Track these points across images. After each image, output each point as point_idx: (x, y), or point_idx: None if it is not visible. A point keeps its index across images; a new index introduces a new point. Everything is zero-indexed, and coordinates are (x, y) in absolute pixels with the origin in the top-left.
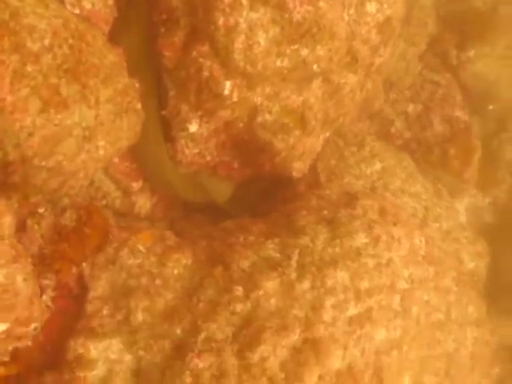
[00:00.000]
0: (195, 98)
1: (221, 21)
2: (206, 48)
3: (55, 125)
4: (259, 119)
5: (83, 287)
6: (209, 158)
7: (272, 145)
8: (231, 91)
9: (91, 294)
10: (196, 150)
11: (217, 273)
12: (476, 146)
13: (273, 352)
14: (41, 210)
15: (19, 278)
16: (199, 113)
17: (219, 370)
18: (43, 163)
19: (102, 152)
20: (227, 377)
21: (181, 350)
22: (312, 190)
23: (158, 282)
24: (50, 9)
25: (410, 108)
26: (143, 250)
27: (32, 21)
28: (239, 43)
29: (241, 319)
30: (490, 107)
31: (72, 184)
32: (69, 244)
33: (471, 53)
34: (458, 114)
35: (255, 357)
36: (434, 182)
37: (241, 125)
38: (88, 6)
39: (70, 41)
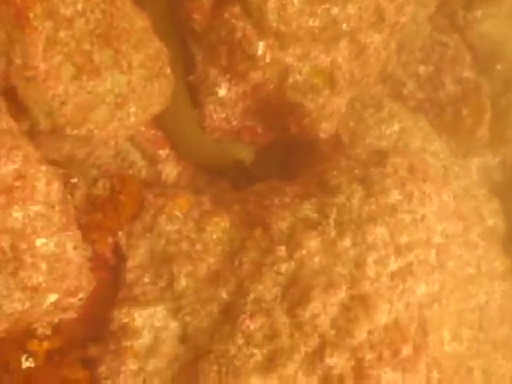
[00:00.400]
0: (226, 61)
1: None
2: (237, 9)
3: (88, 92)
4: (290, 80)
5: (120, 257)
6: (234, 123)
7: (302, 106)
8: (264, 52)
9: (130, 263)
10: (223, 115)
11: (257, 235)
12: (487, 106)
13: (323, 309)
14: (74, 181)
15: (70, 247)
16: (228, 76)
17: (271, 329)
18: (75, 132)
19: (133, 119)
20: (279, 336)
21: (229, 313)
22: (338, 151)
23: (198, 246)
24: None
25: (421, 69)
26: (180, 216)
27: None
28: (272, 3)
29: (287, 279)
30: (498, 67)
31: (99, 154)
32: (104, 213)
33: (478, 13)
34: (468, 74)
35: (306, 314)
36: (448, 142)
37: (271, 86)
38: None
39: (102, 5)
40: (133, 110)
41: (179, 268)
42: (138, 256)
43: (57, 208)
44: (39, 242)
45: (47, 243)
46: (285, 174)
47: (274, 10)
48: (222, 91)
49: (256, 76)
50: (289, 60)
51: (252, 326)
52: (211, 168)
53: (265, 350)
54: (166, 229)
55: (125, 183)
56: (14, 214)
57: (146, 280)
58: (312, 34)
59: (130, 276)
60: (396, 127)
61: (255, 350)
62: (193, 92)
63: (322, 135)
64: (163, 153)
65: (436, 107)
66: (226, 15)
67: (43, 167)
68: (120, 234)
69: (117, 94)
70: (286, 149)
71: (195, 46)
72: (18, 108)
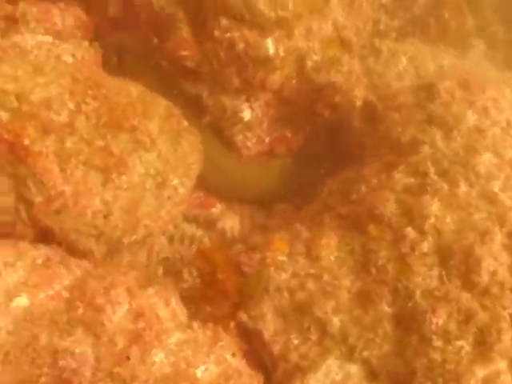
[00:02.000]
0: (238, 80)
1: None
2: (224, 21)
3: (125, 189)
4: (309, 63)
5: (248, 336)
6: (267, 140)
7: (331, 83)
8: (275, 48)
9: (267, 335)
10: (255, 138)
11: (373, 232)
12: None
13: (495, 262)
14: None
15: (228, 357)
16: (245, 96)
17: (461, 312)
18: (133, 237)
19: (181, 190)
20: (473, 314)
21: (405, 324)
22: (376, 112)
23: (325, 277)
24: (48, 72)
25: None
26: (286, 259)
27: (41, 93)
28: None
29: (436, 255)
30: None
31: (158, 248)
32: (210, 303)
33: None
34: None
35: (484, 277)
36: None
37: (293, 82)
38: (69, 59)
39: (90, 92)
40: (176, 181)
41: (322, 309)
42: (269, 324)
43: (194, 325)
44: (199, 371)
45: (207, 367)
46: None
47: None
48: (247, 114)
49: (275, 78)
50: (300, 44)
51: (441, 320)
52: (259, 198)
53: (469, 337)
54: (280, 279)
55: (209, 259)
56: (157, 358)
57: (296, 342)
58: (309, 5)
59: (275, 347)
60: (404, 60)
61: (460, 342)
62: (215, 131)
63: (358, 103)
64: (216, 210)
65: (418, 24)
66: (217, 33)
67: (150, 290)
68: (240, 313)
69: (154, 175)
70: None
71: (196, 84)
72: (68, 247)
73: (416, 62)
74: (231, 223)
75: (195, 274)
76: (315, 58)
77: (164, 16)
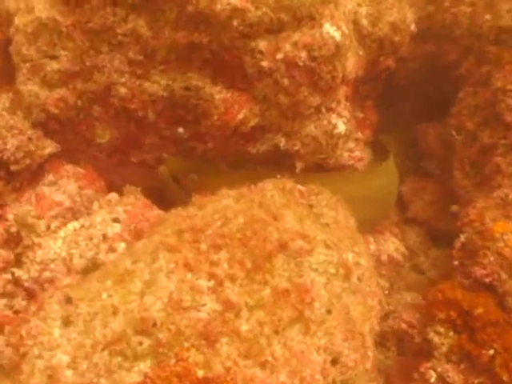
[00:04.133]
0: (317, 94)
1: None
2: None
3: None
4: (364, 21)
5: None
6: (360, 135)
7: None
8: (335, 29)
9: None
10: (356, 143)
11: None
12: None
13: None
14: None
15: None
16: (329, 109)
17: None
18: None
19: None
20: None
21: None
22: None
23: None
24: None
25: None
26: None
27: None
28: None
29: None
30: None
31: None
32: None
33: None
34: None
35: None
36: None
37: (360, 53)
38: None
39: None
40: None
41: None
42: None
43: None
44: None
45: None
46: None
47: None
48: (341, 126)
49: (350, 64)
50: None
51: None
52: None
53: None
54: None
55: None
56: None
57: None
58: None
59: None
60: None
61: None
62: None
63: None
64: None
65: None
66: (265, 63)
67: None
68: None
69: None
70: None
71: (263, 141)
72: None
73: None
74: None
75: None
76: (364, 12)
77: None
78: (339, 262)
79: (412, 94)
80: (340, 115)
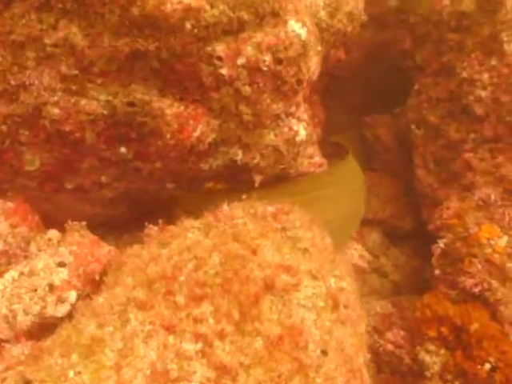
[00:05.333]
0: (279, 100)
1: None
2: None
3: None
4: (323, 13)
5: None
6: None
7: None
8: (301, 26)
9: None
10: (314, 148)
11: None
12: None
13: None
14: None
15: None
16: (289, 114)
17: None
18: None
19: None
20: None
21: None
22: None
23: None
24: None
25: None
26: None
27: None
28: None
29: None
30: None
31: None
32: None
33: None
34: None
35: None
36: None
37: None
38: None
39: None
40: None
41: None
42: None
43: None
44: None
45: None
46: None
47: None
48: (302, 131)
49: (314, 63)
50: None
51: None
52: None
53: None
54: None
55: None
56: None
57: None
58: None
59: None
60: None
61: None
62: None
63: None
64: None
65: None
66: (225, 71)
67: None
68: None
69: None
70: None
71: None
72: None
73: None
74: None
75: None
76: (322, 2)
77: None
78: (327, 293)
79: (358, 86)
80: (300, 119)
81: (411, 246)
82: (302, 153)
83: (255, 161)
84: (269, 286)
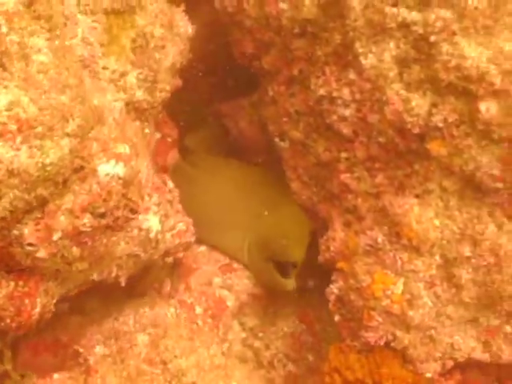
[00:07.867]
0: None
1: None
2: None
3: None
4: None
5: None
6: None
7: None
8: None
9: None
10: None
11: None
12: None
13: None
14: None
15: None
16: None
17: None
18: None
19: None
20: None
21: None
22: None
23: None
24: None
25: None
26: None
27: None
28: None
29: None
30: None
31: None
32: None
33: None
34: None
35: None
36: None
37: None
38: None
39: None
40: None
41: None
42: None
43: None
44: None
45: None
46: None
47: None
48: (155, 224)
49: None
50: None
51: None
52: None
53: None
54: None
55: None
56: None
57: None
58: None
59: None
60: None
61: None
62: None
63: None
64: None
65: None
66: None
67: None
68: None
69: None
70: None
71: None
72: None
73: None
74: None
75: None
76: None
77: None
78: None
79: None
80: (147, 210)
81: None
82: (161, 238)
83: (113, 274)
84: None
